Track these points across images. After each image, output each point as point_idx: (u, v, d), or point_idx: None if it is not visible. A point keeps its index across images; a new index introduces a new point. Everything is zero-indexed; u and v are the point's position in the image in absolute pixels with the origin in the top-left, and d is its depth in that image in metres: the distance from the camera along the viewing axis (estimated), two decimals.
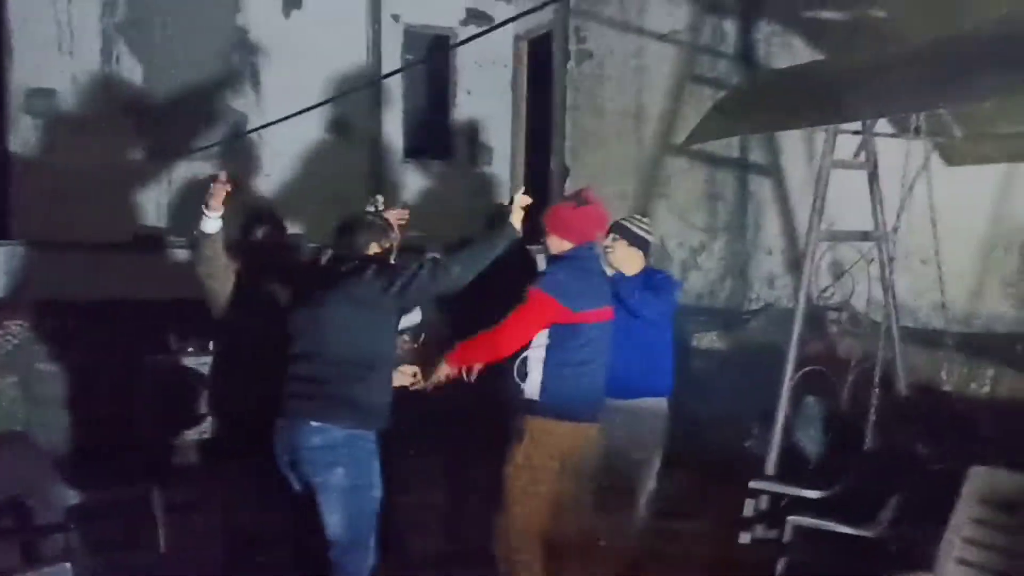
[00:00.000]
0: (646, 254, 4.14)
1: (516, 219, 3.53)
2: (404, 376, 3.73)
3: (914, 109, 4.04)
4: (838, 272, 5.30)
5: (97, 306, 6.50)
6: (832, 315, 5.26)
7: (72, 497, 3.55)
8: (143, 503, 3.64)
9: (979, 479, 2.98)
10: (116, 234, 6.99)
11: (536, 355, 3.64)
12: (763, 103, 4.64)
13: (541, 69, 8.68)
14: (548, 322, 3.62)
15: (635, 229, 4.06)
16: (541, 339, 3.64)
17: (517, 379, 3.65)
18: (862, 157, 4.48)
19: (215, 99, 7.69)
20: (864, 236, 4.48)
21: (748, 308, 6.40)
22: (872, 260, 4.70)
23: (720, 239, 6.74)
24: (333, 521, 3.48)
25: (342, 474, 3.44)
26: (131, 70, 7.47)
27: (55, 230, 6.77)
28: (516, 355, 3.66)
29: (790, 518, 3.57)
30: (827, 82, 4.22)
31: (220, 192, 3.81)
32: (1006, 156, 4.60)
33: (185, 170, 7.49)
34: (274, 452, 3.54)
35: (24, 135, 7.11)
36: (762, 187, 6.45)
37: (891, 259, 4.38)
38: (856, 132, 4.50)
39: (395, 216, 4.15)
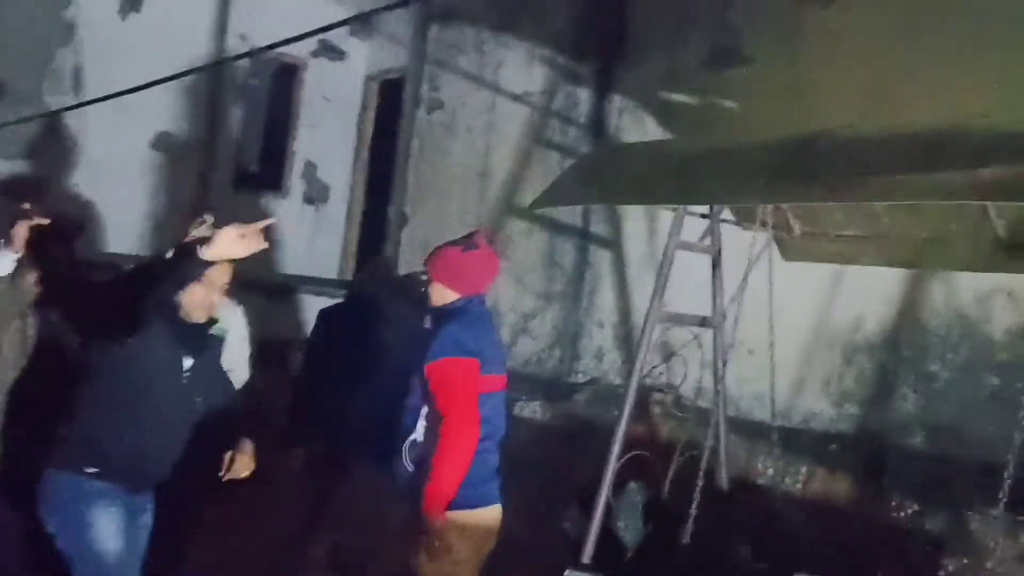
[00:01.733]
0: None
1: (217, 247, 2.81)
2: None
3: (765, 200, 4.06)
4: (667, 353, 5.28)
5: None
6: (657, 396, 5.21)
7: None
8: None
9: None
10: None
11: (430, 443, 3.18)
12: (617, 173, 4.57)
13: (390, 113, 8.48)
14: (473, 386, 3.13)
15: None
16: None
17: (408, 465, 3.23)
18: (707, 241, 4.46)
19: (29, 93, 7.03)
20: (702, 321, 4.45)
21: (574, 380, 6.30)
22: (702, 345, 4.68)
23: (553, 307, 6.64)
24: None
25: (56, 522, 3.03)
26: None
27: None
28: (399, 436, 3.24)
29: None
30: (683, 162, 4.19)
31: (25, 231, 3.27)
32: (837, 256, 4.72)
33: None
34: None
35: None
36: (601, 259, 6.41)
37: (727, 347, 4.35)
38: (703, 216, 4.49)
39: None
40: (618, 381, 5.93)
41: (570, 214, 6.57)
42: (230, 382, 3.48)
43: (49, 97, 7.13)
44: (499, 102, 7.35)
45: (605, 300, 6.32)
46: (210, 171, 7.82)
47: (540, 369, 6.54)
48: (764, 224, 4.33)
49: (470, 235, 3.36)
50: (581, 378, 6.29)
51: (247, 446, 3.20)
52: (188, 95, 7.70)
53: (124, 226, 7.21)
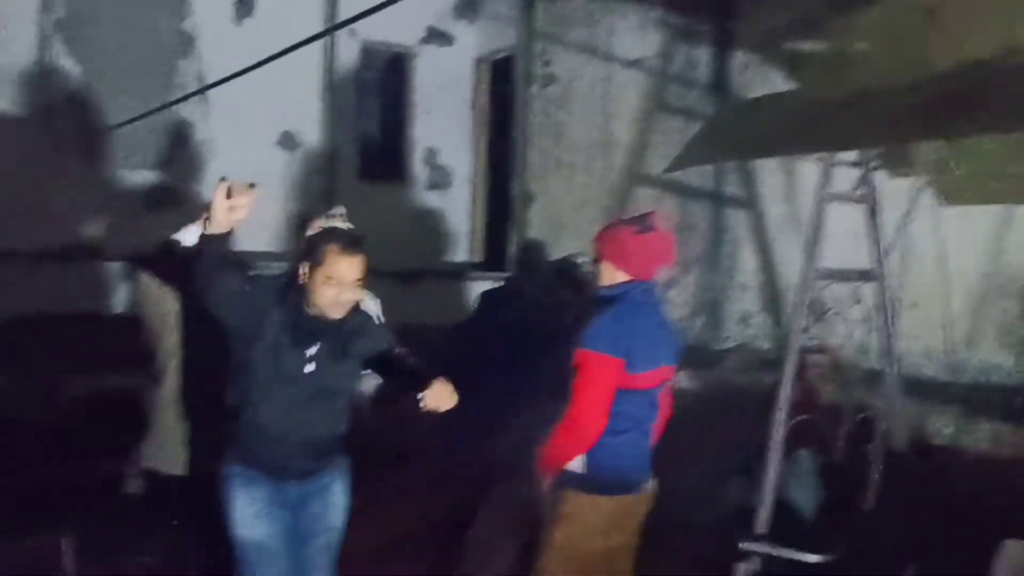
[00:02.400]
0: None
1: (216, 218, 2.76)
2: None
3: (920, 138, 3.77)
4: (820, 311, 5.03)
5: (23, 322, 5.97)
6: (814, 358, 4.97)
7: None
8: (53, 555, 3.13)
9: (1016, 553, 2.66)
10: (47, 243, 6.50)
11: None
12: (753, 129, 4.35)
13: (503, 92, 8.40)
14: (616, 383, 3.03)
15: None
16: None
17: None
18: (860, 191, 4.19)
19: (157, 105, 7.27)
20: (863, 275, 4.19)
21: (720, 347, 6.10)
22: (861, 300, 4.42)
23: (692, 273, 6.45)
24: None
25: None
26: (69, 71, 7.01)
27: None
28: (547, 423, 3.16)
29: None
30: (825, 109, 3.95)
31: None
32: (1005, 196, 4.37)
33: (124, 178, 7.06)
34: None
35: None
36: (737, 220, 6.19)
37: (892, 301, 4.08)
38: (854, 164, 4.22)
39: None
40: (767, 345, 5.71)
41: (701, 177, 6.36)
42: (384, 337, 3.22)
43: (178, 106, 7.34)
44: (614, 71, 7.19)
45: (746, 262, 6.09)
46: (335, 165, 7.92)
47: (683, 337, 6.37)
48: (924, 167, 4.04)
49: (645, 215, 3.15)
50: (727, 344, 6.09)
51: (442, 380, 2.92)
52: (307, 93, 7.81)
53: (256, 225, 7.37)
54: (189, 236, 3.32)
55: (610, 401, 3.04)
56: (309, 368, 2.99)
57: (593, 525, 3.11)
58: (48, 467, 4.83)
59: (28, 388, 5.72)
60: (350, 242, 2.97)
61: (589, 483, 3.09)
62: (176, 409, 3.63)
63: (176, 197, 7.05)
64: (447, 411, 2.84)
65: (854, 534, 3.56)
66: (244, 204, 2.78)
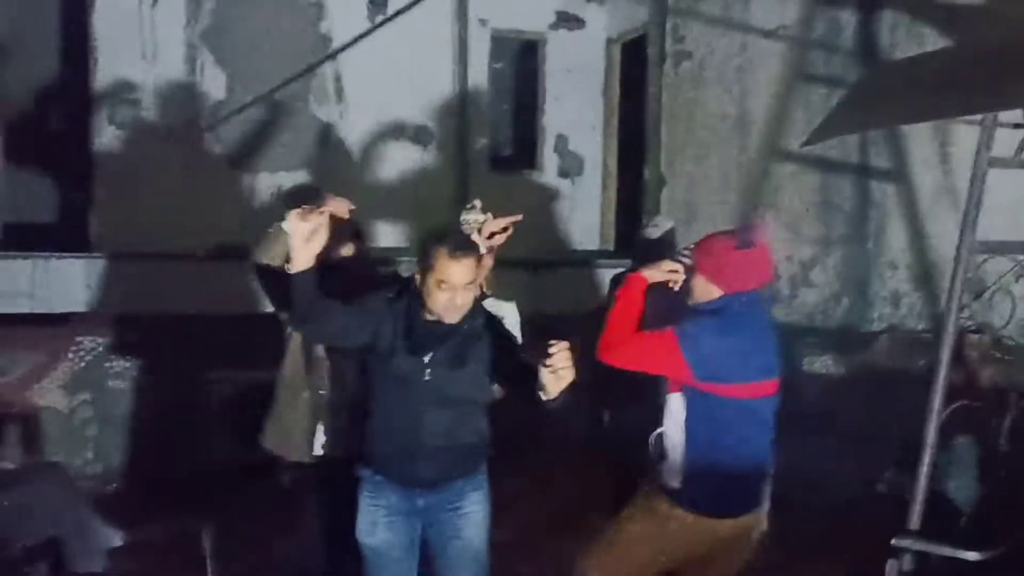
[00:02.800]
0: None
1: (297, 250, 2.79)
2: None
3: None
4: (979, 288, 4.67)
5: (173, 321, 6.28)
6: (973, 338, 4.62)
7: (114, 538, 3.17)
8: (192, 542, 3.25)
9: None
10: (197, 246, 6.82)
11: (673, 435, 3.02)
12: (903, 91, 4.03)
13: (635, 74, 8.22)
14: (667, 372, 2.99)
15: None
16: (677, 411, 3.01)
17: (653, 457, 3.09)
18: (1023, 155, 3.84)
19: (299, 107, 7.49)
20: None
21: (869, 329, 5.76)
22: (1022, 276, 4.07)
23: (835, 252, 6.12)
24: None
25: None
26: (215, 79, 7.33)
27: (135, 241, 6.62)
28: (650, 425, 3.10)
29: None
30: (984, 64, 3.61)
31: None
32: None
33: (268, 181, 7.32)
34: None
35: (107, 145, 7.00)
36: (885, 194, 5.81)
37: None
38: (1017, 126, 3.87)
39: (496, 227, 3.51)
40: (920, 326, 5.36)
41: (844, 150, 6.00)
42: (507, 340, 3.12)
43: (316, 107, 7.56)
44: (750, 42, 6.89)
45: (895, 239, 5.71)
46: (467, 157, 7.96)
47: (827, 320, 6.05)
48: None
49: (747, 228, 3.08)
50: (876, 326, 5.74)
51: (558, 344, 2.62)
52: (439, 88, 7.88)
53: (391, 220, 7.51)
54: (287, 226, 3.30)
55: (644, 370, 3.03)
56: (427, 375, 2.94)
57: (664, 534, 3.05)
58: (196, 457, 5.09)
59: (183, 381, 6.05)
60: (460, 245, 2.92)
61: (680, 496, 3.03)
62: (299, 395, 3.66)
63: (318, 198, 7.24)
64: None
65: (1019, 530, 3.29)
66: (321, 224, 2.79)
